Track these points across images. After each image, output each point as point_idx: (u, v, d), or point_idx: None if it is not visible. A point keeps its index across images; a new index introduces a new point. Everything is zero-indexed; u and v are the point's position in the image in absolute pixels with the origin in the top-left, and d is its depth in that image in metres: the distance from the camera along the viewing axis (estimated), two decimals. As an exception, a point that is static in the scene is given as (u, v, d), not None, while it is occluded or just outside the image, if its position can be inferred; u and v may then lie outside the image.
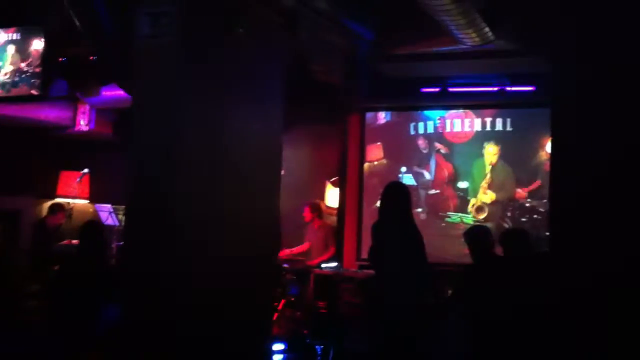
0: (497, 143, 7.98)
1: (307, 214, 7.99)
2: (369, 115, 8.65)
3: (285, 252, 7.52)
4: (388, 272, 4.67)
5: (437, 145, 8.23)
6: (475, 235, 5.12)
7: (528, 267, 4.59)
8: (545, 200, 7.42)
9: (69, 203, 8.93)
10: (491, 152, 7.99)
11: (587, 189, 3.80)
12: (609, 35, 3.86)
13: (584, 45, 3.94)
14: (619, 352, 3.62)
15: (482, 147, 8.04)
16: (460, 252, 7.87)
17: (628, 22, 3.82)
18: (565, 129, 3.98)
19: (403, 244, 4.70)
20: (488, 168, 7.99)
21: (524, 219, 7.68)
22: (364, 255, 7.97)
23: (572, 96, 3.94)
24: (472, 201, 8.02)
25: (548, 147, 7.37)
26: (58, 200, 8.93)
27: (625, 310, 3.62)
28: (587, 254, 3.75)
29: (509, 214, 7.81)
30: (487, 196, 7.94)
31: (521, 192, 7.79)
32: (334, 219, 8.45)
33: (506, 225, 7.68)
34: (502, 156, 7.95)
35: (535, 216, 7.64)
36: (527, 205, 7.73)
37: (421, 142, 8.33)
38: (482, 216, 7.92)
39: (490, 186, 7.94)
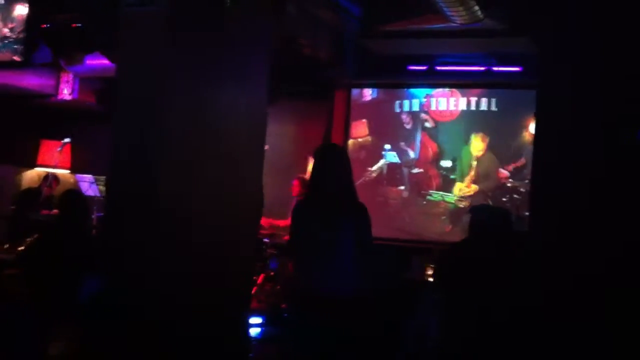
0: (485, 134, 7.96)
1: (295, 188, 7.99)
2: (355, 91, 8.63)
3: (266, 222, 7.49)
4: (324, 263, 3.73)
5: (424, 116, 8.23)
6: (480, 216, 4.89)
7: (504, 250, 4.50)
8: (526, 181, 7.48)
9: (48, 173, 8.87)
10: (477, 146, 7.99)
11: (570, 171, 3.83)
12: (596, 17, 3.86)
13: (570, 27, 3.94)
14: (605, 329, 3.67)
15: (467, 130, 8.06)
16: (441, 230, 7.97)
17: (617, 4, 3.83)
18: (550, 110, 4.00)
19: (340, 227, 3.74)
20: (474, 161, 8.00)
21: (504, 199, 7.74)
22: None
23: (558, 78, 3.95)
24: (459, 186, 8.04)
25: (532, 128, 7.41)
26: (46, 170, 8.91)
27: (605, 287, 3.67)
28: (567, 235, 3.78)
29: (489, 193, 7.87)
30: (470, 189, 7.97)
31: (503, 172, 7.84)
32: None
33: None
34: (489, 146, 7.96)
35: (515, 196, 7.70)
36: (509, 185, 7.79)
37: (406, 119, 8.33)
38: (462, 204, 7.95)
39: (474, 180, 7.97)
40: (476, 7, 5.85)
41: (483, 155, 7.98)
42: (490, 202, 7.72)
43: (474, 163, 8.00)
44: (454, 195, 8.03)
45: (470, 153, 8.04)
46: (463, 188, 8.00)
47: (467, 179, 8.00)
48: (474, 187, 7.96)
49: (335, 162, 3.88)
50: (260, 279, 6.95)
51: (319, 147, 4.25)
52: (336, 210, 3.76)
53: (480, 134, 7.99)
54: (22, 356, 4.61)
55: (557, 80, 3.94)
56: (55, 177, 8.75)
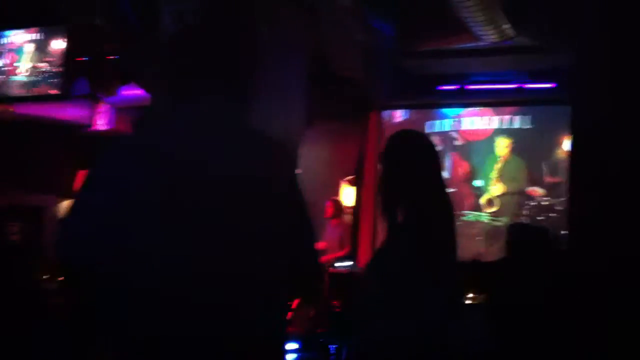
0: (508, 136, 7.94)
1: (329, 209, 8.02)
2: (386, 113, 8.62)
3: None
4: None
5: (454, 135, 8.18)
6: (512, 232, 4.86)
7: (544, 267, 4.47)
8: (562, 199, 7.36)
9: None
10: (502, 145, 7.95)
11: (607, 189, 3.76)
12: (629, 31, 3.81)
13: (605, 42, 3.89)
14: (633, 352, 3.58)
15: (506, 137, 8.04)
16: (478, 251, 7.85)
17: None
18: (586, 127, 3.94)
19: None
20: (499, 161, 7.97)
21: (540, 217, 7.62)
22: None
23: (593, 94, 3.90)
24: (485, 196, 8.01)
25: (567, 145, 7.31)
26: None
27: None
28: (605, 253, 3.71)
29: (526, 212, 7.76)
30: (496, 188, 7.91)
31: (538, 190, 7.74)
32: (349, 218, 8.45)
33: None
34: (515, 149, 7.91)
35: (552, 214, 7.58)
36: (545, 203, 7.67)
37: (436, 140, 8.29)
38: (492, 209, 7.89)
39: (500, 179, 7.92)
40: (506, 25, 5.84)
41: (508, 156, 7.93)
42: (527, 221, 7.62)
43: (499, 164, 7.95)
44: (485, 204, 7.97)
45: (495, 157, 8.00)
46: (489, 189, 7.95)
47: (492, 178, 7.94)
48: (501, 187, 7.89)
49: (428, 161, 2.46)
50: (295, 304, 6.93)
51: (396, 135, 2.60)
52: (443, 247, 2.38)
53: (504, 135, 7.95)
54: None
55: (592, 96, 3.90)
56: None
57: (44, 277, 6.05)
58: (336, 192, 8.67)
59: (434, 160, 2.49)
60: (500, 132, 8.00)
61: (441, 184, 2.49)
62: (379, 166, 2.49)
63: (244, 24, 4.24)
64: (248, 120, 1.85)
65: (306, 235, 1.87)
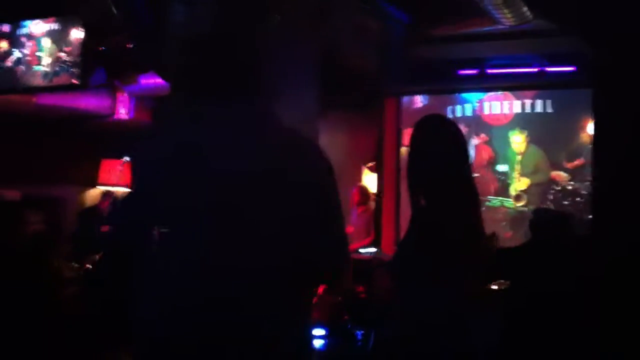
0: (522, 130, 7.89)
1: (355, 197, 8.03)
2: (406, 99, 8.58)
3: None
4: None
5: (477, 121, 8.14)
6: (535, 217, 4.84)
7: (565, 253, 4.43)
8: (587, 183, 7.29)
9: (107, 191, 9.10)
10: (518, 141, 7.92)
11: (630, 173, 3.72)
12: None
13: (624, 25, 3.84)
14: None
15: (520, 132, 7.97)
16: (501, 237, 7.80)
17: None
18: (607, 110, 3.90)
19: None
20: (517, 157, 7.94)
21: (566, 202, 7.56)
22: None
23: (614, 77, 3.85)
24: (512, 191, 7.98)
25: (590, 129, 7.22)
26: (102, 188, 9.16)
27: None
28: (629, 237, 3.67)
29: (551, 197, 7.69)
30: (521, 183, 7.87)
31: (562, 175, 7.67)
32: (372, 204, 8.46)
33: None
34: (532, 140, 7.86)
35: (577, 199, 7.51)
36: (569, 188, 7.61)
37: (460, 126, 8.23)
38: (521, 203, 7.85)
39: (522, 173, 7.86)
40: (524, 8, 5.75)
41: (525, 150, 7.89)
42: (552, 206, 7.56)
43: (518, 158, 7.90)
44: (512, 199, 7.92)
45: (514, 151, 7.97)
46: (515, 184, 7.93)
47: (516, 174, 7.89)
48: (525, 181, 7.84)
49: (453, 147, 2.43)
50: (320, 290, 6.95)
51: (422, 121, 2.60)
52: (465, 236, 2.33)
53: (517, 130, 7.90)
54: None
55: (613, 79, 3.84)
56: (112, 194, 8.94)
57: (73, 266, 6.09)
58: (355, 180, 8.66)
59: (458, 147, 2.47)
60: (521, 116, 7.94)
61: (466, 170, 2.48)
62: (403, 151, 2.54)
63: (256, 16, 4.22)
64: (265, 114, 1.84)
65: (336, 224, 1.84)
